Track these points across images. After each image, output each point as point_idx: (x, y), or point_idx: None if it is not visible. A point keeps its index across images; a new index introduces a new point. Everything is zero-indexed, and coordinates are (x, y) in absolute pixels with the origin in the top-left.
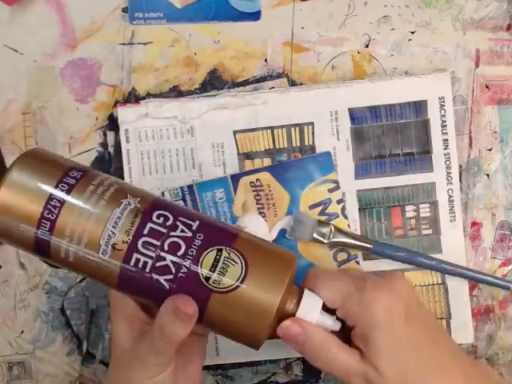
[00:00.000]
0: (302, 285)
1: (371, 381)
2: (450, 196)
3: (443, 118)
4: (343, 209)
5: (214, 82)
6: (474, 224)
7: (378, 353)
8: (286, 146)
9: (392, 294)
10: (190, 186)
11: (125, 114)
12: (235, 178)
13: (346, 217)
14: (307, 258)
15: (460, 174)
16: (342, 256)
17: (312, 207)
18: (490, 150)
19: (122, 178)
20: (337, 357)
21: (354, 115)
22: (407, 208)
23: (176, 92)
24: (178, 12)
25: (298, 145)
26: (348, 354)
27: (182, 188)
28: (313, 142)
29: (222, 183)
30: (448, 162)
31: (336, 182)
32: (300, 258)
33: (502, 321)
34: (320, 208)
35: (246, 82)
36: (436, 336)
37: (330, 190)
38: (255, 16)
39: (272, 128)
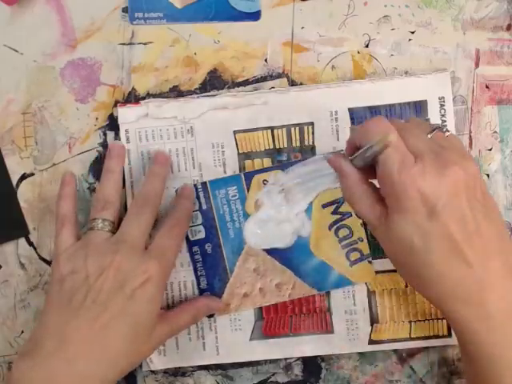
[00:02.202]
0: None
1: (378, 236)
2: None
3: (443, 118)
4: None
5: (214, 82)
6: None
7: (392, 231)
8: (285, 146)
9: (434, 184)
10: (203, 184)
11: (125, 114)
12: (248, 176)
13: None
14: (320, 257)
15: None
16: (355, 255)
17: (325, 206)
18: (490, 150)
19: (123, 177)
20: (357, 202)
21: (354, 115)
22: None
23: (176, 92)
24: (178, 12)
25: (298, 145)
26: (369, 205)
27: (195, 185)
28: (313, 142)
29: (236, 181)
30: None
31: None
32: (312, 256)
33: None
34: (333, 207)
35: (246, 82)
36: (466, 234)
37: None
38: (255, 16)
39: (272, 128)
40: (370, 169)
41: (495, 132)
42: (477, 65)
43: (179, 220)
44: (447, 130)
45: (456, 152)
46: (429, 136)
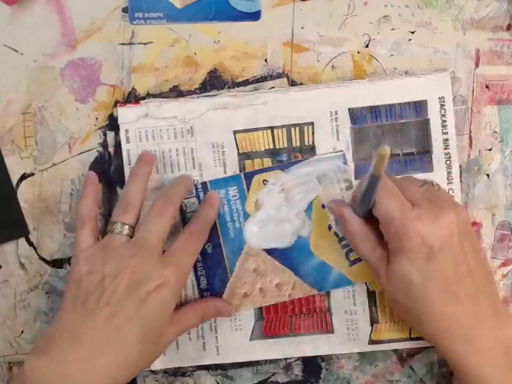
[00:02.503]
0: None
1: (377, 276)
2: None
3: (443, 118)
4: None
5: (214, 82)
6: (474, 224)
7: (392, 271)
8: (285, 146)
9: (431, 227)
10: (203, 183)
11: (125, 114)
12: (248, 176)
13: None
14: (319, 257)
15: (460, 173)
16: (355, 255)
17: (325, 206)
18: (490, 150)
19: (123, 177)
20: (359, 245)
21: (354, 115)
22: None
23: (176, 92)
24: (178, 12)
25: (298, 145)
26: (371, 248)
27: (195, 185)
28: (313, 142)
29: (236, 181)
30: (448, 162)
31: (349, 181)
32: (312, 256)
33: None
34: None
35: (246, 82)
36: (459, 274)
37: (343, 190)
38: (255, 16)
39: (272, 128)
40: (371, 219)
41: (495, 132)
42: (477, 65)
43: (200, 228)
44: (437, 185)
45: (447, 200)
46: (422, 188)
